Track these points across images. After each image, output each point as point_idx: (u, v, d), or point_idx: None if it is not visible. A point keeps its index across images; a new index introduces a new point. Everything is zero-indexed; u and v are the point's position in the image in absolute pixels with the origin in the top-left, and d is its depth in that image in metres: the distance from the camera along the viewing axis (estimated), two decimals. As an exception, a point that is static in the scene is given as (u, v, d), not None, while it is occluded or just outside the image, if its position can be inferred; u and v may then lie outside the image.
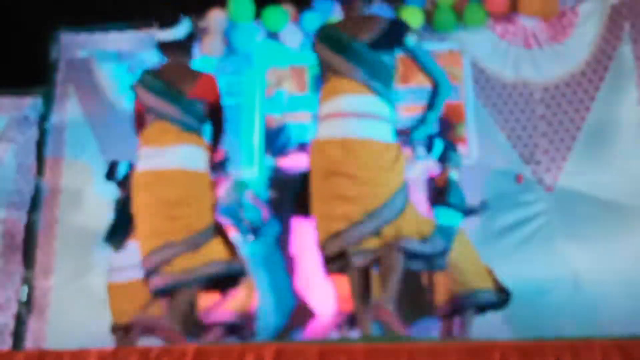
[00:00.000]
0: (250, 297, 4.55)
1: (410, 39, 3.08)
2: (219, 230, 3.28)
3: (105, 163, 4.93)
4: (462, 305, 4.23)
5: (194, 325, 4.10)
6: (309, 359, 1.95)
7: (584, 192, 5.03)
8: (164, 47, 3.41)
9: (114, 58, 5.94)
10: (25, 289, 5.52)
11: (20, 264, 5.59)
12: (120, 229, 4.47)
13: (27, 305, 5.47)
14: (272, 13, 5.58)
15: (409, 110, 4.88)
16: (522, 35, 5.45)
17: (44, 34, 5.98)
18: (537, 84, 5.38)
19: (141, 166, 3.26)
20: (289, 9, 5.64)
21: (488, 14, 5.45)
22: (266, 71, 5.72)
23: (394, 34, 3.08)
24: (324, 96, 3.11)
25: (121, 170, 4.69)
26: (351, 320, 4.37)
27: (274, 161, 5.50)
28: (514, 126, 5.32)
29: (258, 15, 5.64)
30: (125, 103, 5.67)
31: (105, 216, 4.64)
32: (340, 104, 3.01)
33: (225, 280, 3.27)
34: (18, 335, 5.39)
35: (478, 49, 5.49)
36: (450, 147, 4.66)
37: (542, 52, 5.42)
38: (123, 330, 4.27)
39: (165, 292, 3.12)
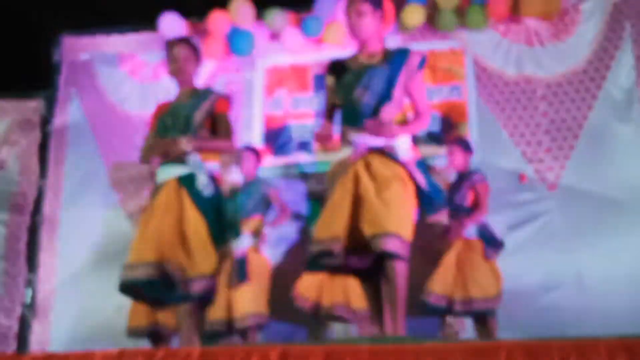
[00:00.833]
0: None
1: None
2: None
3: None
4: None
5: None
6: (314, 361, 1.94)
7: (587, 191, 5.02)
8: None
9: (115, 61, 5.94)
10: (29, 291, 5.53)
11: (24, 266, 5.60)
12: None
13: (31, 308, 5.48)
14: (272, 14, 5.59)
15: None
16: (524, 34, 5.44)
17: (46, 37, 5.99)
18: (539, 80, 5.37)
19: None
20: (289, 11, 5.65)
21: (490, 17, 5.42)
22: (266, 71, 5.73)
23: None
24: None
25: None
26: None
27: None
28: (517, 123, 5.31)
29: (258, 16, 5.65)
30: (126, 105, 5.68)
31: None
32: None
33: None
34: (22, 338, 5.40)
35: (480, 47, 5.48)
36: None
37: (544, 50, 5.40)
38: (139, 334, 4.28)
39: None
